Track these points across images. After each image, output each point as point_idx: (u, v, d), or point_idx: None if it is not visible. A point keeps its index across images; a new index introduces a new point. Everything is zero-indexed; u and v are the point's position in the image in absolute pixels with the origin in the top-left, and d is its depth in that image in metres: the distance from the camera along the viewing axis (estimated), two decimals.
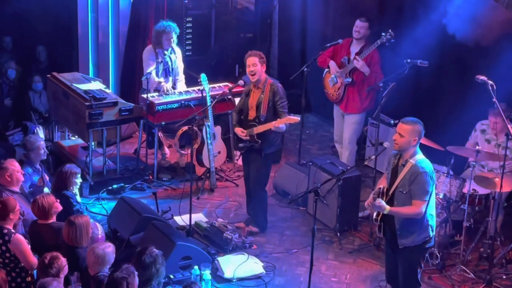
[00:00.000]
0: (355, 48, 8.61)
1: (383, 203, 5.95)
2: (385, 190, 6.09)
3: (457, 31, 8.00)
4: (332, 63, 8.69)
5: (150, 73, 8.77)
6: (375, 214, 6.14)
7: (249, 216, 8.04)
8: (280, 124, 7.34)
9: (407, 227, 6.02)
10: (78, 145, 9.44)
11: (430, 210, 6.05)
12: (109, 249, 5.88)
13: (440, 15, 8.55)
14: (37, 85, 10.24)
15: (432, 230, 6.12)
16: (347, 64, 8.56)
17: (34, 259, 6.19)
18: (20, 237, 6.22)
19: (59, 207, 6.66)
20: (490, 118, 7.65)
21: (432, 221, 6.10)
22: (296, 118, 7.33)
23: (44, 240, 6.44)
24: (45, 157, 7.96)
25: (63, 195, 7.12)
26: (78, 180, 7.34)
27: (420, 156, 6.01)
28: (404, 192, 5.97)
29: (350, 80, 8.57)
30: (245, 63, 7.56)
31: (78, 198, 7.37)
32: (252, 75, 7.46)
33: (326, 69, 8.82)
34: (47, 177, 7.36)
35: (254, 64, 7.43)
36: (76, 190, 7.31)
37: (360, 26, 8.51)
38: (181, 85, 9.25)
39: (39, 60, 10.86)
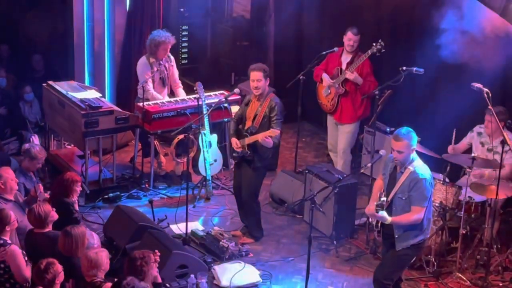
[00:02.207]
0: (346, 58, 8.62)
1: (385, 214, 6.00)
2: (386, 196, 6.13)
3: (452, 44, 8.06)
4: (325, 76, 8.70)
5: (145, 81, 8.77)
6: (375, 221, 6.18)
7: (244, 224, 8.04)
8: (265, 135, 7.33)
9: (405, 232, 6.11)
10: (74, 153, 9.44)
11: (428, 214, 6.14)
12: (102, 253, 5.91)
13: (435, 24, 8.60)
14: (28, 95, 10.21)
15: (428, 233, 6.27)
16: (339, 75, 8.58)
17: (27, 273, 6.18)
18: (16, 248, 6.20)
19: (55, 215, 6.65)
20: (486, 117, 7.66)
21: (429, 225, 6.22)
22: (276, 131, 7.32)
23: (40, 249, 6.42)
24: (39, 166, 7.97)
25: (63, 203, 7.12)
26: (79, 188, 7.34)
27: (418, 162, 6.08)
28: (404, 198, 6.04)
29: (343, 90, 8.58)
30: (248, 75, 7.53)
31: (76, 206, 7.37)
32: (256, 90, 7.45)
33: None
34: (41, 187, 7.34)
35: (259, 79, 7.40)
36: (76, 198, 7.32)
37: (354, 40, 8.51)
38: (182, 92, 9.27)
39: (35, 69, 10.86)
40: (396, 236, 6.11)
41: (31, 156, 7.78)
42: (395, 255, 6.22)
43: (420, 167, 6.04)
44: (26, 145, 8.01)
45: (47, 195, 7.27)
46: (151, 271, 5.87)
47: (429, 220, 6.22)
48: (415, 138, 6.07)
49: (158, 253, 5.99)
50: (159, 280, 6.02)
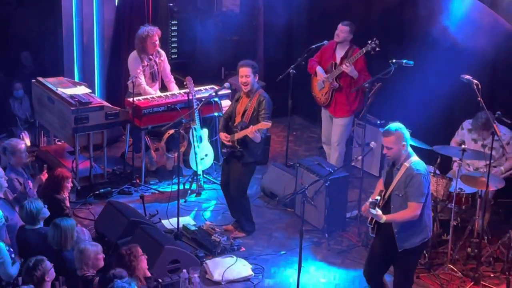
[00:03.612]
0: (340, 52, 8.62)
1: (379, 212, 5.96)
2: (382, 194, 6.11)
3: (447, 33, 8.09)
4: (319, 69, 8.70)
5: (135, 76, 8.76)
6: (369, 218, 6.16)
7: (235, 219, 8.04)
8: (255, 129, 7.33)
9: (405, 230, 6.03)
10: (64, 149, 9.41)
11: (427, 210, 6.07)
12: (95, 247, 5.92)
13: (427, 16, 8.62)
14: (18, 92, 10.16)
15: (430, 231, 6.16)
16: (333, 70, 8.57)
17: (12, 270, 6.17)
18: (1, 245, 6.19)
19: (46, 212, 6.64)
20: (477, 131, 7.64)
21: (429, 221, 6.14)
22: (267, 123, 7.32)
23: (31, 246, 6.42)
24: (27, 161, 7.91)
25: (54, 199, 7.11)
26: (70, 184, 7.33)
27: (414, 158, 6.03)
28: (400, 195, 5.98)
29: (337, 85, 8.58)
30: (237, 71, 7.55)
31: (67, 203, 7.35)
32: (245, 85, 7.46)
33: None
34: (31, 184, 7.31)
35: (247, 75, 7.43)
36: (67, 194, 7.30)
37: (340, 30, 8.52)
38: (174, 87, 9.26)
39: (24, 66, 10.81)
40: (396, 235, 6.03)
41: (10, 151, 7.64)
42: (403, 265, 6.17)
43: (416, 163, 5.98)
44: (3, 144, 7.84)
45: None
46: (141, 264, 5.89)
47: (429, 216, 6.12)
48: (405, 133, 6.02)
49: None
50: (148, 274, 6.03)
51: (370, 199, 6.03)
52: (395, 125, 6.06)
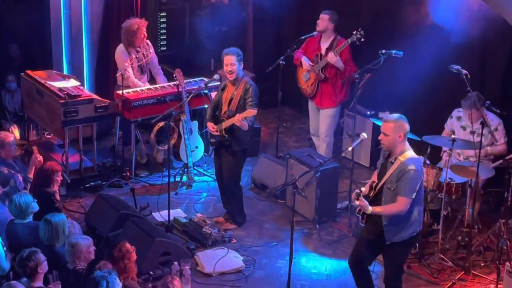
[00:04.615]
0: (325, 43, 8.61)
1: (365, 203, 5.92)
2: (374, 185, 6.10)
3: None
4: (304, 60, 8.69)
5: (124, 69, 8.72)
6: (357, 209, 6.15)
7: (226, 210, 8.04)
8: (242, 117, 7.32)
9: (395, 224, 6.00)
10: (53, 143, 9.38)
11: (418, 205, 6.04)
12: (86, 241, 5.91)
13: (415, 6, 8.62)
14: (10, 84, 10.10)
15: (419, 225, 6.13)
16: (319, 61, 8.56)
17: (6, 264, 6.15)
18: None
19: (35, 207, 6.62)
20: (464, 110, 7.69)
21: (420, 216, 6.10)
22: (253, 111, 7.31)
23: (21, 240, 6.40)
24: (16, 154, 7.88)
25: (44, 193, 7.09)
26: (59, 178, 7.30)
27: (410, 153, 5.97)
28: (392, 189, 5.95)
29: (323, 77, 8.57)
30: (222, 60, 7.53)
31: (58, 196, 7.33)
32: (230, 74, 7.44)
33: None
34: (20, 178, 7.28)
35: (232, 63, 7.42)
36: (56, 187, 7.28)
37: (320, 18, 8.52)
38: (163, 78, 9.22)
39: (13, 58, 10.74)
40: (385, 228, 6.02)
41: None
42: (391, 258, 6.17)
43: (410, 158, 5.92)
44: None
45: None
46: (133, 262, 5.88)
47: (420, 212, 6.08)
48: (405, 125, 5.95)
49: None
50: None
51: (356, 190, 6.03)
52: (398, 114, 6.02)
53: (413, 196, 5.89)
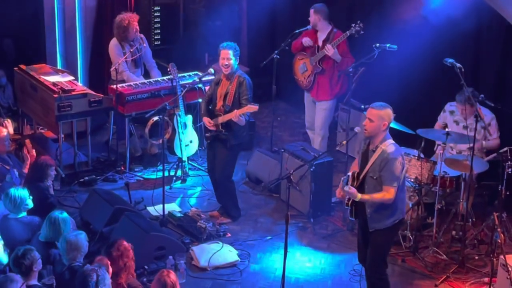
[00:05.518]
0: (321, 35, 8.59)
1: (353, 190, 5.96)
2: (356, 174, 6.12)
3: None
4: (305, 40, 8.61)
5: (118, 63, 8.71)
6: (346, 199, 6.17)
7: (221, 204, 8.04)
8: (240, 113, 7.31)
9: (377, 211, 6.05)
10: (47, 137, 9.36)
11: (401, 193, 6.08)
12: (81, 235, 5.90)
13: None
14: (0, 79, 10.07)
15: (402, 213, 6.17)
16: (316, 53, 8.56)
17: (3, 257, 6.14)
18: None
19: (30, 204, 6.61)
20: (457, 105, 7.70)
21: (402, 204, 6.14)
22: (254, 107, 7.32)
23: (15, 235, 6.39)
24: (11, 148, 7.87)
25: (37, 187, 7.08)
26: (53, 172, 7.29)
27: (390, 142, 6.02)
28: (375, 177, 5.99)
29: (320, 69, 8.57)
30: (218, 53, 7.52)
31: (51, 191, 7.32)
32: (226, 67, 7.43)
33: (297, 56, 8.80)
34: (16, 172, 7.27)
35: (229, 58, 7.40)
36: (50, 182, 7.26)
37: (310, 14, 8.51)
38: (157, 72, 9.21)
39: (6, 53, 10.71)
40: (368, 216, 6.07)
41: None
42: (373, 245, 6.18)
43: (391, 147, 5.97)
44: None
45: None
46: (132, 259, 5.88)
47: (402, 200, 6.14)
48: (390, 114, 6.01)
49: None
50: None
51: (342, 179, 6.04)
52: (384, 103, 6.06)
53: (396, 185, 5.93)
